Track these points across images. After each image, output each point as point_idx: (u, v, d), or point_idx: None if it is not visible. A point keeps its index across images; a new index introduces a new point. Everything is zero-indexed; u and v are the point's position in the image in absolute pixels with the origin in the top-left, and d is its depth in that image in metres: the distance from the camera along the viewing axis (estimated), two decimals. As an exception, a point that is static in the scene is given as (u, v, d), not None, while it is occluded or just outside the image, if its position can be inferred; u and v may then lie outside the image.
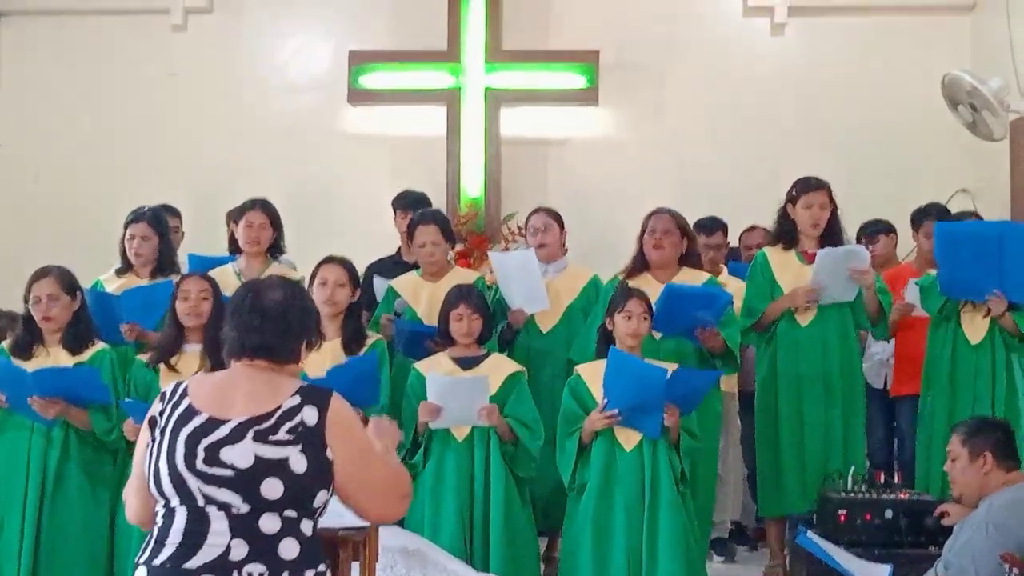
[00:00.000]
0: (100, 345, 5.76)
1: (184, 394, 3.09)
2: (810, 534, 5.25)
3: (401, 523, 5.46)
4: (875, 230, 7.44)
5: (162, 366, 5.64)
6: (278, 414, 3.01)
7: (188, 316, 5.64)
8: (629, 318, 5.53)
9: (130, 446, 5.56)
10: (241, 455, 2.96)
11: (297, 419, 3.01)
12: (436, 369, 5.72)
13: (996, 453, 4.83)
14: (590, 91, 9.03)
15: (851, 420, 6.23)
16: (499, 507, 5.60)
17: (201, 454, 2.96)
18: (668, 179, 8.99)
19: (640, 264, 6.22)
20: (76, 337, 5.70)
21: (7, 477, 5.56)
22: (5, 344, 5.79)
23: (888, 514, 5.41)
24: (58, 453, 5.58)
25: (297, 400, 3.04)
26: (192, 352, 5.64)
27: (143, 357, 5.76)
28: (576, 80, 9.04)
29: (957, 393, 6.07)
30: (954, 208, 7.61)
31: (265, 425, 2.99)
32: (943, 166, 8.93)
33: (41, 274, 5.69)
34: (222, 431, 2.99)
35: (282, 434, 2.98)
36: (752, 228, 7.55)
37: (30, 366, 5.55)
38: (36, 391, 5.44)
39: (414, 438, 5.67)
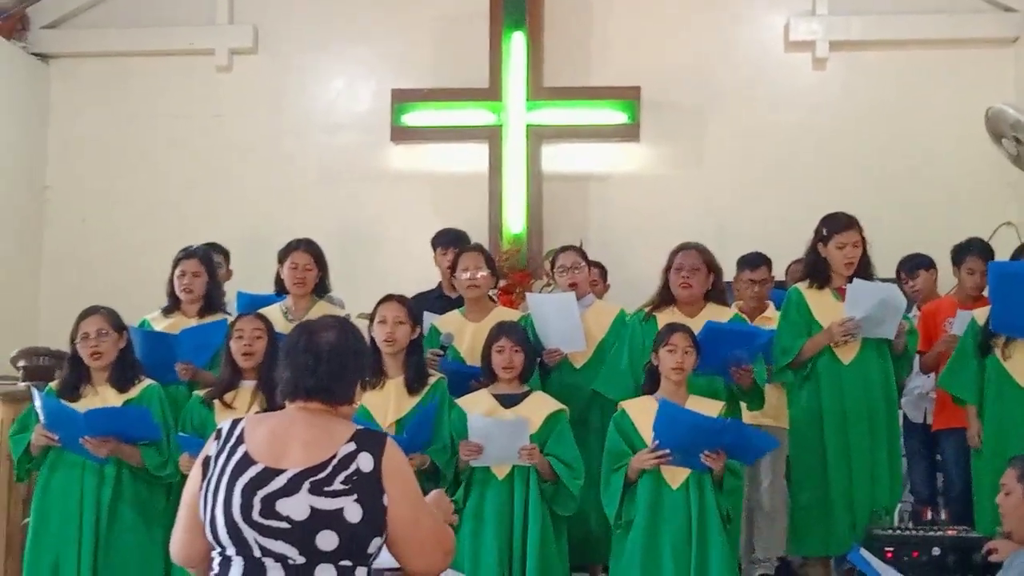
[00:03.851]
0: (147, 382, 5.82)
1: (240, 439, 3.08)
2: (863, 552, 5.20)
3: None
4: (915, 265, 7.39)
5: (217, 403, 5.70)
6: (333, 463, 3.00)
7: (243, 356, 5.71)
8: (672, 352, 5.54)
9: (184, 480, 5.63)
10: (297, 507, 2.96)
11: (352, 467, 3.01)
12: (477, 406, 5.73)
13: (1049, 494, 4.79)
14: (631, 127, 9.08)
15: (893, 457, 6.20)
16: (536, 545, 5.59)
17: (258, 505, 2.96)
18: (708, 214, 9.02)
19: (666, 298, 6.18)
20: (123, 375, 5.76)
21: (62, 515, 5.61)
22: (53, 385, 5.86)
23: (935, 551, 5.37)
24: (111, 490, 5.63)
25: (352, 447, 3.04)
26: (247, 388, 5.71)
27: (200, 393, 5.83)
28: (617, 116, 9.08)
29: (1007, 433, 6.03)
30: (998, 242, 7.56)
31: (320, 476, 2.98)
32: (987, 200, 8.89)
33: (89, 312, 5.77)
34: (278, 482, 2.98)
35: (337, 484, 2.98)
36: (800, 260, 7.51)
37: (79, 406, 5.61)
38: (88, 431, 5.49)
39: (455, 475, 5.70)
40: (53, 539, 5.59)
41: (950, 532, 5.51)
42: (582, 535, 6.17)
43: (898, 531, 5.53)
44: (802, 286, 6.35)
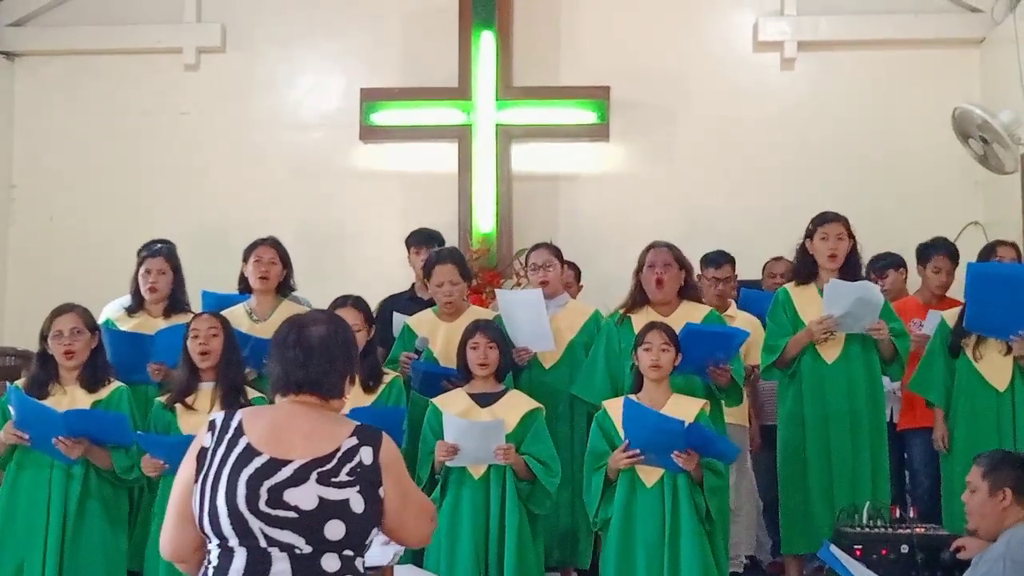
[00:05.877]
0: (116, 383, 5.79)
1: (240, 431, 3.08)
2: (832, 548, 5.22)
3: (418, 560, 5.48)
4: (884, 264, 7.44)
5: (178, 406, 5.68)
6: (339, 455, 3.04)
7: (199, 355, 5.68)
8: (648, 350, 5.55)
9: (149, 482, 5.61)
10: (305, 497, 2.97)
11: (356, 460, 3.04)
12: (453, 405, 5.73)
13: (1016, 489, 4.80)
14: (601, 127, 9.07)
15: (877, 457, 6.23)
16: (512, 545, 5.61)
17: (264, 495, 2.97)
18: (678, 214, 9.01)
19: (639, 298, 6.19)
20: (93, 375, 5.72)
21: (28, 514, 5.55)
22: (20, 382, 5.78)
23: (904, 549, 5.38)
24: (79, 489, 5.58)
25: (355, 441, 3.07)
26: (205, 390, 5.69)
27: (161, 399, 5.79)
28: (587, 116, 9.08)
29: (978, 433, 6.09)
30: (965, 241, 7.59)
31: (327, 467, 3.01)
32: (954, 199, 8.94)
33: (64, 309, 5.73)
34: (285, 472, 3.00)
35: (343, 476, 3.01)
36: (778, 258, 7.57)
37: (47, 404, 5.56)
38: (65, 432, 5.44)
39: (431, 474, 5.69)
40: (19, 538, 5.54)
41: (919, 530, 5.52)
42: (557, 535, 6.17)
43: (867, 529, 5.53)
44: (790, 286, 6.44)
